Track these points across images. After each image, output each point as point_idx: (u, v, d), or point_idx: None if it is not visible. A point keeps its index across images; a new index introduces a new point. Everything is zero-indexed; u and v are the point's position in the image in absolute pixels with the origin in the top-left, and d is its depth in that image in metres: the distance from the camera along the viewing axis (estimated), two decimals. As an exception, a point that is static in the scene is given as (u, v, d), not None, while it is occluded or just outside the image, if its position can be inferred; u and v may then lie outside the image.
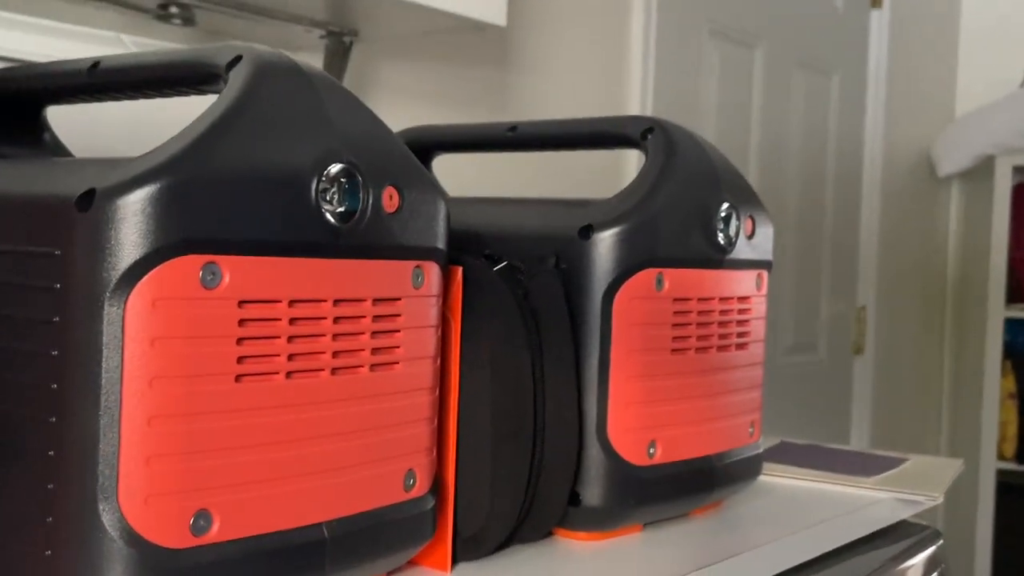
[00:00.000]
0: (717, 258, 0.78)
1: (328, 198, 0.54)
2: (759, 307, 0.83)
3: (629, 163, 1.72)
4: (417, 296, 0.60)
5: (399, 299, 0.59)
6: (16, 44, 0.92)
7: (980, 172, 2.75)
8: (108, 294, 0.47)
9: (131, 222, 0.47)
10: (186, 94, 0.62)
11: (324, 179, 0.54)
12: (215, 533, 0.50)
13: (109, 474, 0.47)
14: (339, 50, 1.23)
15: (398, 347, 0.59)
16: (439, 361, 0.63)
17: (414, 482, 0.60)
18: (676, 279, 0.74)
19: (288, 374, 0.53)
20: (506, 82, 1.52)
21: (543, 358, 0.68)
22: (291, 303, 0.53)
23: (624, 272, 0.71)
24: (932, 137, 2.79)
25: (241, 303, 0.51)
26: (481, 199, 0.83)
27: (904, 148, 2.66)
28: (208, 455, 0.50)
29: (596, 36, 1.68)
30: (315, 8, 1.13)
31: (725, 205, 0.78)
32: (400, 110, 1.36)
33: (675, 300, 0.74)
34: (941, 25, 2.87)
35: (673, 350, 0.74)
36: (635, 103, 1.75)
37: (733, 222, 0.78)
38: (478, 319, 0.65)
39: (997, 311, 2.62)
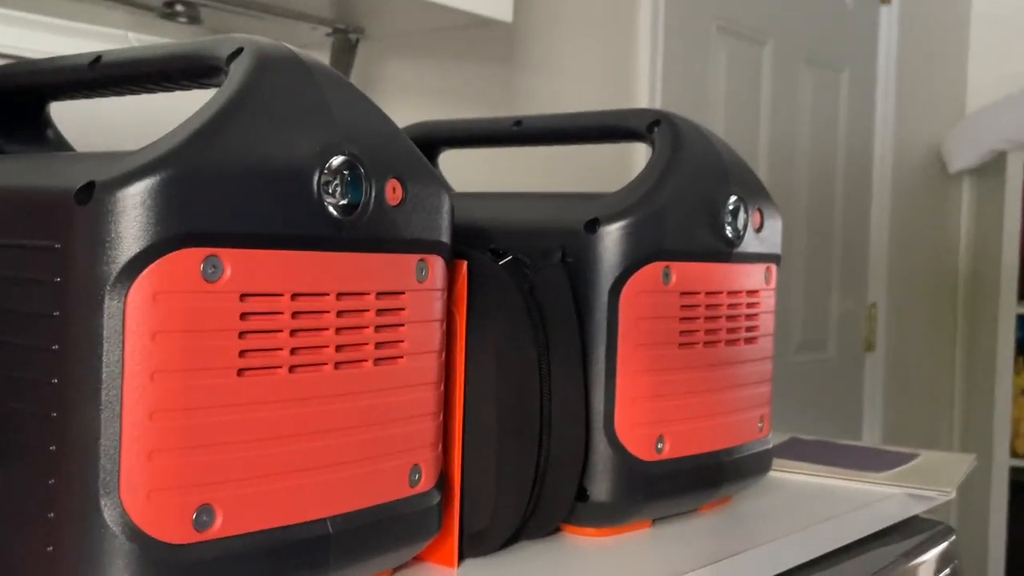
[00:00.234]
0: (725, 251, 0.77)
1: (330, 191, 0.53)
2: (768, 301, 0.83)
3: (636, 157, 1.71)
4: (421, 290, 0.59)
5: (403, 293, 0.58)
6: (23, 42, 0.92)
7: (991, 168, 2.73)
8: (108, 287, 0.47)
9: (131, 215, 0.47)
10: (188, 88, 0.62)
11: (326, 171, 0.53)
12: (218, 528, 0.50)
13: (111, 469, 0.47)
14: (345, 47, 1.23)
15: (402, 341, 0.58)
16: (444, 356, 0.62)
17: (419, 477, 0.60)
18: (683, 273, 0.73)
19: (291, 368, 0.52)
20: (513, 79, 1.52)
21: (549, 353, 0.68)
22: (293, 297, 0.52)
23: (631, 266, 0.70)
24: (943, 133, 2.78)
25: (243, 296, 0.50)
26: (486, 193, 0.83)
27: (915, 144, 2.65)
28: (210, 450, 0.49)
29: (603, 33, 1.67)
30: (321, 6, 1.12)
31: (733, 198, 0.77)
32: (406, 107, 1.36)
33: (682, 294, 0.74)
34: (951, 20, 2.85)
35: (681, 344, 0.74)
36: (643, 101, 1.74)
37: (741, 215, 0.78)
38: (483, 313, 0.65)
39: (1009, 307, 2.61)
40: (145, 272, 0.47)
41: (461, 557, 0.66)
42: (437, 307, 0.61)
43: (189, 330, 0.48)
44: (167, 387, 0.48)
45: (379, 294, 0.57)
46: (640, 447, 0.71)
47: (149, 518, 0.48)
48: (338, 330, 0.54)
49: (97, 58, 0.63)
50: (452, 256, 0.63)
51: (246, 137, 0.51)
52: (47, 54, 0.91)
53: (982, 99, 2.86)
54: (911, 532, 0.91)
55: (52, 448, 0.48)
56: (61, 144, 0.73)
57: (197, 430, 0.49)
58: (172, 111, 0.61)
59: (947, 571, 0.91)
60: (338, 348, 0.55)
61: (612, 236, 0.70)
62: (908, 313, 2.64)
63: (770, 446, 0.84)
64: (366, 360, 0.56)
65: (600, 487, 0.71)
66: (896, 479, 0.93)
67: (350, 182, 0.54)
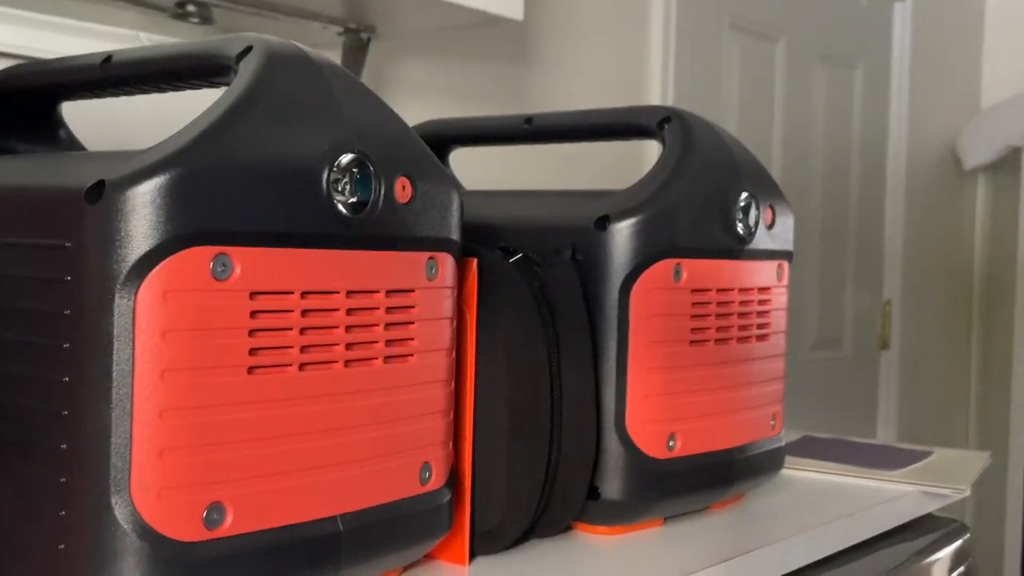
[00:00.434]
0: (736, 248, 0.77)
1: (340, 189, 0.53)
2: (780, 298, 0.82)
3: (647, 155, 1.71)
4: (431, 288, 0.59)
5: (413, 291, 0.58)
6: (34, 42, 0.92)
7: (1006, 164, 2.71)
8: (119, 286, 0.47)
9: (141, 213, 0.47)
10: (198, 87, 0.62)
11: (335, 169, 0.53)
12: (228, 526, 0.50)
13: (121, 467, 0.47)
14: (356, 47, 1.23)
15: (412, 339, 0.58)
16: (454, 354, 0.62)
17: (430, 475, 0.60)
18: (694, 270, 0.73)
19: (301, 366, 0.52)
20: (524, 78, 1.51)
21: (560, 350, 0.67)
22: (303, 295, 0.52)
23: (641, 263, 0.70)
24: (957, 130, 2.76)
25: (253, 295, 0.50)
26: (496, 191, 0.82)
27: (929, 141, 2.64)
28: (220, 448, 0.49)
29: (615, 31, 1.67)
30: (332, 5, 1.12)
31: (744, 194, 0.77)
32: (418, 106, 1.36)
33: (693, 291, 0.73)
34: (965, 16, 2.84)
35: (692, 342, 0.73)
36: (655, 98, 1.74)
37: (752, 212, 0.77)
38: (493, 311, 0.65)
39: (1025, 304, 2.59)
40: (155, 271, 0.47)
41: (472, 555, 0.66)
42: (447, 305, 0.61)
43: (199, 328, 0.48)
44: (177, 385, 0.48)
45: (389, 292, 0.57)
46: (652, 445, 0.71)
47: (160, 516, 0.48)
48: (348, 328, 0.55)
49: (107, 58, 0.63)
50: (462, 254, 0.63)
51: (255, 135, 0.51)
52: (58, 54, 0.92)
53: (997, 95, 2.84)
54: (925, 530, 0.90)
55: (63, 446, 0.48)
56: (73, 144, 0.74)
57: (207, 428, 0.49)
58: (185, 111, 0.61)
59: (961, 569, 0.90)
60: (348, 346, 0.55)
61: (623, 233, 0.70)
62: (923, 310, 2.63)
63: (782, 444, 0.84)
64: (376, 358, 0.56)
65: (611, 485, 0.71)
66: (910, 477, 0.92)
67: (359, 180, 0.54)
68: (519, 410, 0.65)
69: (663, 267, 0.71)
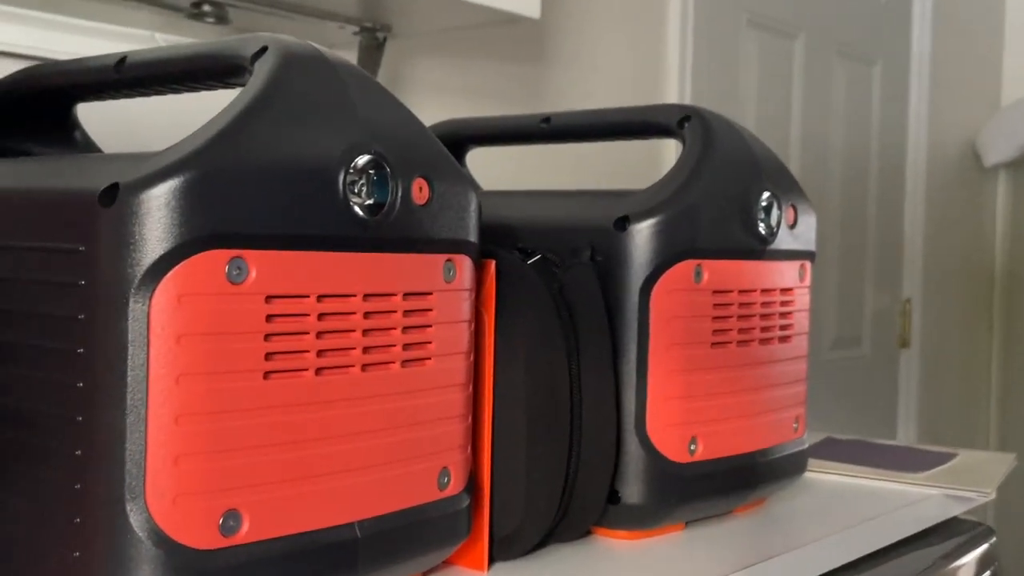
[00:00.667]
0: (758, 249, 0.76)
1: (356, 190, 0.53)
2: (802, 299, 0.81)
3: (666, 154, 1.70)
4: (449, 290, 0.58)
5: (430, 293, 0.57)
6: (49, 44, 0.92)
7: (1028, 161, 2.69)
8: (133, 290, 0.46)
9: (155, 216, 0.46)
10: (214, 87, 0.62)
11: (352, 171, 0.52)
12: (245, 533, 0.49)
13: (136, 474, 0.47)
14: (372, 46, 1.22)
15: (430, 342, 0.57)
16: (472, 357, 0.61)
17: (448, 480, 0.59)
18: (715, 271, 0.72)
19: (317, 371, 0.52)
20: (541, 77, 1.51)
21: (579, 353, 0.67)
22: (320, 298, 0.52)
23: (661, 264, 0.69)
24: (978, 126, 2.74)
25: (268, 298, 0.50)
26: (514, 192, 0.82)
27: (949, 138, 2.61)
28: (236, 454, 0.49)
29: (632, 29, 1.66)
30: (348, 4, 1.12)
31: (766, 194, 0.76)
32: (434, 106, 1.35)
33: (715, 292, 0.72)
34: (986, 11, 2.81)
35: (713, 344, 0.72)
36: (672, 96, 1.72)
37: (774, 211, 0.76)
38: (512, 313, 0.64)
39: (1047, 303, 2.56)
40: (170, 274, 0.47)
41: (491, 561, 0.65)
42: (465, 307, 0.60)
43: (214, 333, 0.48)
44: (192, 391, 0.47)
45: (406, 295, 0.56)
46: (672, 448, 0.70)
47: (175, 523, 0.47)
48: (365, 332, 0.54)
49: (122, 59, 0.62)
50: (480, 256, 0.62)
51: (271, 137, 0.50)
52: (73, 55, 0.91)
53: (1018, 91, 2.82)
54: (950, 534, 0.89)
55: (78, 453, 0.47)
56: (88, 146, 0.73)
57: (223, 434, 0.48)
58: (202, 112, 0.61)
59: (987, 574, 0.89)
60: (365, 350, 0.54)
61: (643, 234, 0.69)
62: (943, 309, 2.61)
63: (805, 447, 0.83)
64: (393, 362, 0.55)
65: (632, 489, 0.70)
66: (934, 479, 0.91)
67: (376, 181, 0.54)
68: (538, 414, 0.64)
69: (684, 268, 0.70)
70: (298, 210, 0.50)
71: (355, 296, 0.53)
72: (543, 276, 0.66)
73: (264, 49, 0.54)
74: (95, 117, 0.78)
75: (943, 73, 2.55)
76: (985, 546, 0.90)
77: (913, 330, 2.48)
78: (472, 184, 0.60)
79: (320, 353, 0.52)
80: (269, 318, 0.50)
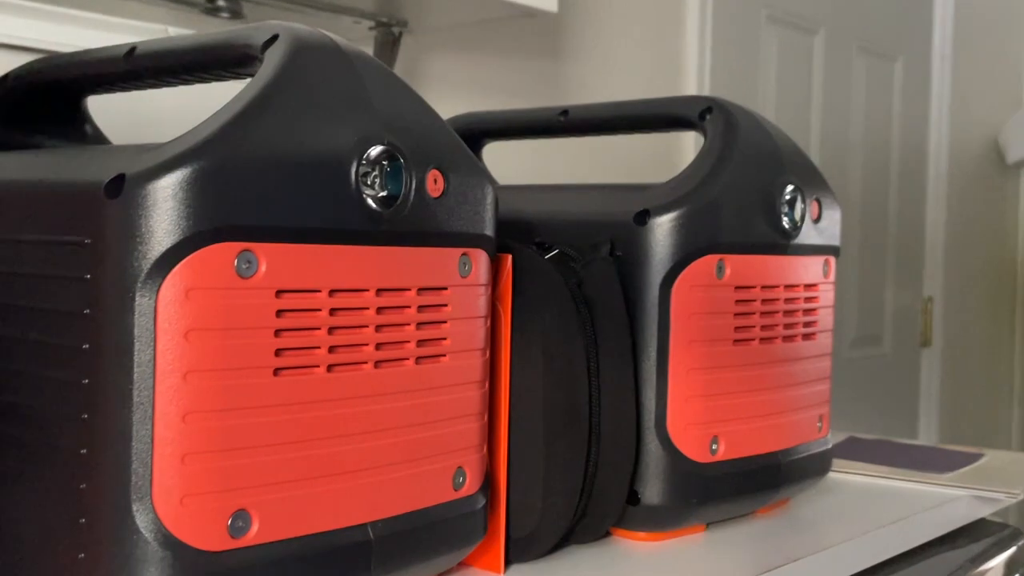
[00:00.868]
0: (781, 243, 0.74)
1: (369, 182, 0.51)
2: (827, 295, 0.79)
3: (686, 148, 1.68)
4: (464, 285, 0.57)
5: (446, 288, 0.56)
6: (62, 38, 0.91)
7: (1051, 158, 2.66)
8: (139, 284, 0.45)
9: (162, 208, 0.45)
10: (225, 78, 0.60)
11: (365, 162, 0.51)
12: (254, 534, 0.48)
13: (143, 473, 0.45)
14: (388, 42, 1.21)
15: (445, 339, 0.56)
16: (488, 354, 0.60)
17: (464, 480, 0.57)
18: (738, 266, 0.70)
19: (329, 367, 0.50)
20: (559, 71, 1.49)
21: (598, 350, 0.65)
22: (331, 293, 0.50)
23: (683, 259, 0.67)
24: (1000, 123, 2.71)
25: (279, 293, 0.48)
26: (531, 186, 0.80)
27: (971, 134, 2.58)
28: (246, 453, 0.47)
29: (650, 24, 1.64)
30: (363, -1, 1.10)
31: (789, 187, 0.74)
32: (451, 102, 1.33)
33: (737, 288, 0.71)
34: (1008, 5, 2.78)
35: (736, 341, 0.71)
36: (691, 92, 1.71)
37: (798, 205, 0.74)
38: (529, 309, 0.62)
39: (1071, 301, 2.53)
40: (177, 268, 0.45)
41: (508, 562, 0.63)
42: (481, 303, 0.58)
43: (223, 328, 0.46)
44: (200, 388, 0.46)
45: (420, 290, 0.54)
46: (693, 448, 0.69)
47: (183, 524, 0.46)
48: (378, 327, 0.52)
49: (131, 49, 0.61)
50: (496, 250, 0.61)
51: (281, 127, 0.49)
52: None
53: (1041, 87, 2.79)
54: (978, 536, 0.87)
55: (83, 451, 0.46)
56: (99, 139, 0.72)
57: (232, 432, 0.47)
58: (217, 105, 0.59)
59: (1016, 577, 0.87)
60: (378, 346, 0.52)
61: (663, 228, 0.67)
62: (966, 307, 2.58)
63: (829, 446, 0.81)
64: (407, 359, 0.54)
65: (652, 490, 0.68)
66: (961, 480, 0.89)
67: (389, 173, 0.52)
68: (556, 412, 0.62)
69: (705, 263, 0.68)
70: (309, 202, 0.49)
71: (368, 291, 0.52)
72: (561, 271, 0.65)
73: (275, 37, 0.53)
74: (108, 110, 0.77)
75: (965, 69, 2.52)
76: (1013, 549, 0.88)
77: (935, 329, 2.45)
78: (488, 176, 0.59)
79: (332, 349, 0.50)
80: (279, 313, 0.48)
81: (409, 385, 0.54)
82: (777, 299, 0.74)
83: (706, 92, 1.72)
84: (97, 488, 0.46)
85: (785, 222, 0.74)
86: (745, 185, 0.71)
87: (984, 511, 0.88)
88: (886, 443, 1.05)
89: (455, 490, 0.57)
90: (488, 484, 0.60)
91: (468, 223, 0.57)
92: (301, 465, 0.49)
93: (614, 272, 0.67)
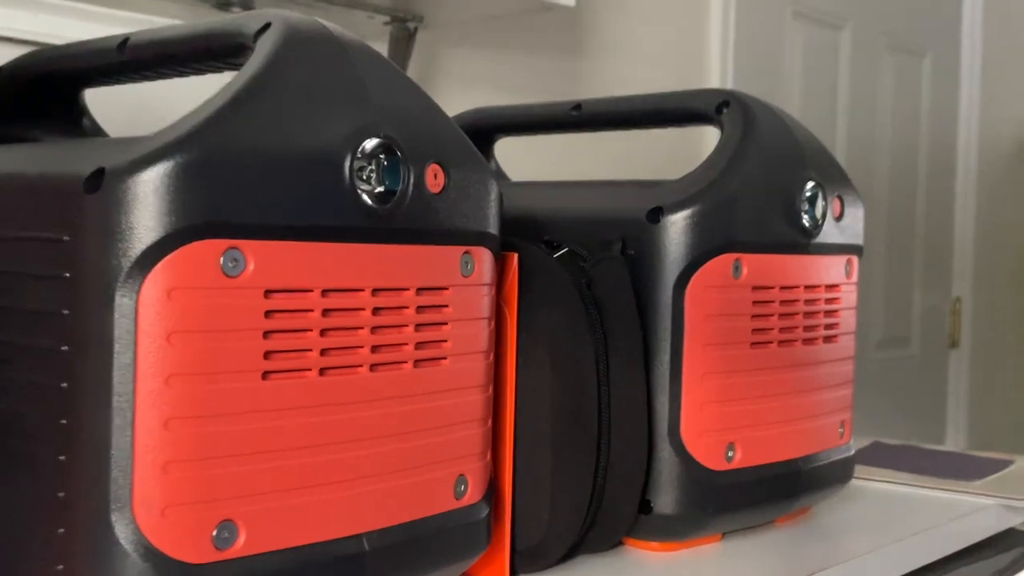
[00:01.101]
0: (802, 242, 0.71)
1: (364, 177, 0.49)
2: (849, 296, 0.76)
3: (707, 144, 1.65)
4: (467, 285, 0.55)
5: (446, 288, 0.53)
6: (75, 32, 0.89)
7: (1083, 156, 2.60)
8: (119, 284, 0.43)
9: (143, 203, 0.43)
10: (219, 69, 0.58)
11: (359, 156, 0.49)
12: (241, 546, 0.46)
13: (123, 482, 0.43)
14: (403, 37, 1.19)
15: (446, 341, 0.54)
16: (493, 356, 0.57)
17: (465, 488, 0.55)
18: (756, 265, 0.68)
19: (321, 371, 0.48)
20: (577, 68, 1.46)
21: (608, 352, 0.62)
22: (324, 293, 0.48)
23: (697, 258, 0.65)
24: (1031, 120, 2.66)
25: (268, 293, 0.46)
26: (541, 182, 0.78)
27: (1001, 132, 2.54)
28: (232, 461, 0.45)
29: (672, 19, 1.61)
30: (377, -8, 1.08)
31: (810, 184, 0.71)
32: (467, 98, 1.31)
33: (755, 288, 0.68)
34: (1040, 2, 2.73)
35: (753, 343, 0.68)
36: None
37: (819, 202, 0.72)
38: (536, 310, 0.60)
39: (1104, 302, 2.48)
40: (159, 266, 0.43)
41: (514, 573, 0.61)
42: (484, 304, 0.56)
43: (208, 330, 0.44)
44: (183, 392, 0.44)
45: (419, 290, 0.52)
46: (708, 455, 0.66)
47: (164, 535, 0.43)
48: (374, 329, 0.50)
49: (124, 40, 0.59)
50: (501, 248, 0.58)
51: (271, 118, 0.46)
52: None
53: (1073, 84, 2.73)
54: (1007, 546, 0.84)
55: (62, 458, 0.44)
56: (97, 133, 0.70)
57: (217, 439, 0.45)
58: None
59: (1047, 589, 0.84)
60: (374, 349, 0.50)
61: (677, 226, 0.65)
62: (995, 307, 2.53)
63: (852, 453, 0.78)
64: (405, 362, 0.51)
65: (665, 499, 0.65)
66: (990, 488, 0.86)
67: (386, 168, 0.50)
68: (564, 417, 0.60)
69: (721, 262, 0.66)
70: (300, 198, 0.47)
71: (363, 291, 0.49)
72: (570, 270, 0.62)
73: (267, 26, 0.51)
74: (114, 103, 0.75)
75: (995, 65, 2.48)
76: (1044, 560, 0.85)
77: (963, 330, 2.42)
78: (492, 172, 0.56)
79: (324, 352, 0.48)
80: (268, 314, 0.46)
81: (407, 389, 0.52)
82: (797, 300, 0.71)
83: (730, 88, 1.69)
84: (76, 497, 0.44)
85: (805, 220, 0.71)
86: (763, 181, 0.68)
87: (1014, 520, 0.85)
88: (912, 449, 1.02)
89: (456, 499, 0.54)
90: (492, 493, 0.58)
91: (470, 220, 0.54)
92: (291, 473, 0.47)
93: (626, 271, 0.65)
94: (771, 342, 0.69)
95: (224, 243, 0.44)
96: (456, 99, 1.28)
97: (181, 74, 0.60)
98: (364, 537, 0.50)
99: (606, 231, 0.66)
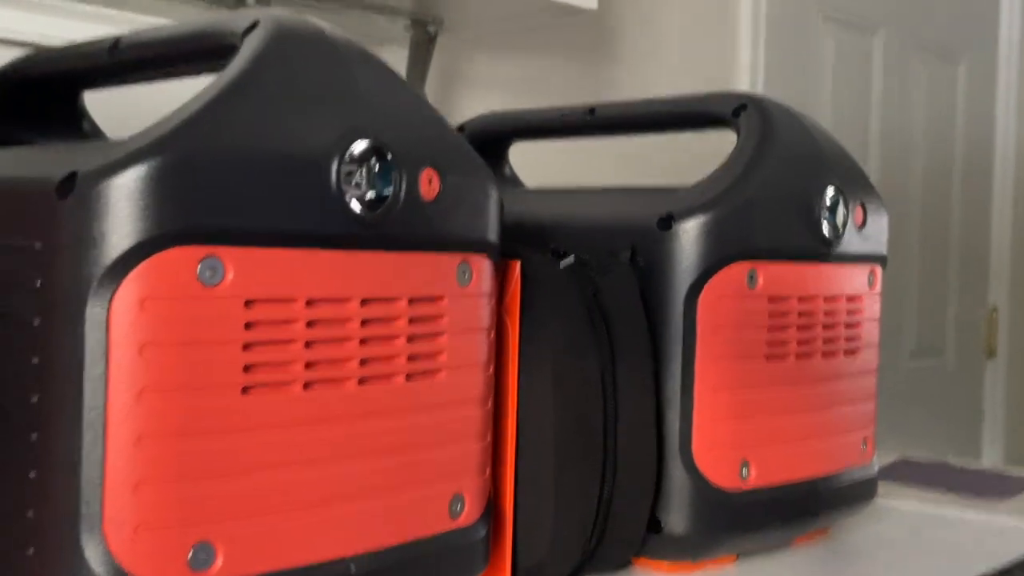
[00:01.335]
0: (822, 251, 0.68)
1: (353, 182, 0.47)
2: (872, 307, 0.73)
3: (728, 149, 1.62)
4: (464, 295, 0.52)
5: (442, 298, 0.51)
6: (75, 34, 0.88)
7: (1125, 163, 2.55)
8: (91, 293, 0.41)
9: (116, 209, 0.41)
10: (212, 70, 0.56)
11: (347, 160, 0.47)
12: (218, 569, 0.43)
13: (93, 502, 0.41)
14: (424, 41, 1.17)
15: (441, 353, 0.51)
16: (492, 369, 0.55)
17: (462, 508, 0.53)
18: (772, 275, 0.65)
19: (306, 385, 0.46)
20: (601, 74, 1.44)
21: (615, 365, 0.60)
22: (309, 303, 0.46)
23: (710, 267, 0.62)
24: (1071, 126, 2.61)
25: (248, 303, 0.44)
26: (549, 189, 0.75)
27: (1040, 138, 2.49)
28: (209, 479, 0.43)
29: (700, 23, 1.58)
30: (398, -4, 1.07)
31: (831, 190, 0.68)
32: (488, 103, 1.29)
33: (771, 299, 0.65)
34: (1080, 6, 2.67)
35: (768, 356, 0.65)
36: (743, 93, 1.64)
37: (840, 210, 0.69)
38: (539, 321, 0.57)
39: None
40: (131, 274, 0.41)
41: (515, 595, 0.58)
42: (483, 314, 0.54)
43: (183, 342, 0.42)
44: (156, 408, 0.42)
45: (412, 300, 0.50)
46: (721, 474, 0.63)
47: (136, 558, 0.41)
48: (363, 341, 0.48)
49: (116, 42, 0.57)
50: (504, 256, 0.56)
51: (252, 119, 0.44)
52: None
53: (1115, 89, 2.68)
54: (1040, 569, 0.80)
55: (32, 475, 0.42)
56: (97, 137, 0.68)
57: (192, 457, 0.43)
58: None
59: (1082, 615, 0.80)
60: (363, 362, 0.48)
61: (689, 234, 0.62)
62: (1033, 318, 2.48)
63: (875, 471, 0.75)
64: (397, 374, 0.49)
65: (676, 517, 0.63)
66: (1022, 508, 0.82)
67: (377, 172, 0.48)
68: (568, 433, 0.57)
69: (735, 271, 0.63)
70: (283, 203, 0.44)
71: (351, 301, 0.47)
72: (576, 280, 0.60)
73: (255, 24, 0.49)
74: (112, 105, 0.74)
75: (1034, 71, 2.43)
76: (1080, 584, 0.81)
77: (1000, 339, 2.37)
78: (491, 176, 0.54)
79: (309, 365, 0.46)
80: (248, 325, 0.44)
81: (399, 404, 0.49)
82: (816, 311, 0.68)
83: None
84: (46, 516, 0.42)
85: (825, 228, 0.68)
86: (781, 187, 0.66)
87: (1047, 542, 0.81)
88: (940, 465, 0.98)
89: (452, 519, 0.52)
90: (491, 511, 0.55)
91: (468, 227, 0.52)
92: (273, 493, 0.45)
93: (635, 281, 0.62)
94: (788, 355, 0.66)
95: (201, 250, 0.42)
96: (476, 105, 1.26)
97: (173, 76, 0.58)
98: (351, 561, 0.47)
99: (616, 239, 0.64)
